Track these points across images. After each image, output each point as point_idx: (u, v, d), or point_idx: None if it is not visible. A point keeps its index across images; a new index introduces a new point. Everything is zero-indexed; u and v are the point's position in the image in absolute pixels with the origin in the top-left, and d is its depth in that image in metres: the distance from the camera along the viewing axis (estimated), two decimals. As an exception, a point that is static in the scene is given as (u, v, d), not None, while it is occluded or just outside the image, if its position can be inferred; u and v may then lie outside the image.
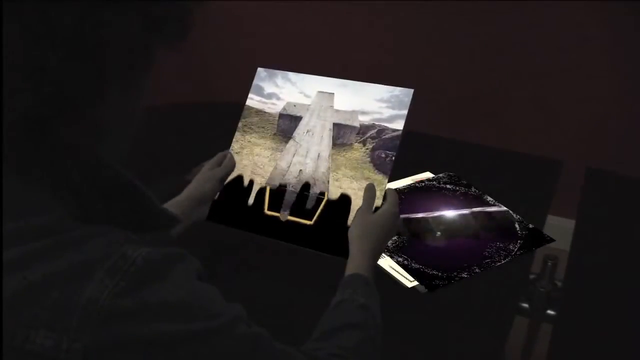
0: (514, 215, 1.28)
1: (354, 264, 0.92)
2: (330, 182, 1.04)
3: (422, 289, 1.08)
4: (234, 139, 1.14)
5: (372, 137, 1.05)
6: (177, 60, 0.68)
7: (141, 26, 0.59)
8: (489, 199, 1.33)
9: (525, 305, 1.17)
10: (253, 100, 1.16)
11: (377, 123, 1.06)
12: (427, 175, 1.42)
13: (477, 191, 1.35)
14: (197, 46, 2.36)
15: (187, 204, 1.05)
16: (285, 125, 1.12)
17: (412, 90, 1.06)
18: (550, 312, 1.17)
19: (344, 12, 2.33)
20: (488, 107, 2.30)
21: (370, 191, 1.02)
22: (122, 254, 0.57)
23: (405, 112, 1.05)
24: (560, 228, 1.37)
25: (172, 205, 1.04)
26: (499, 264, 1.14)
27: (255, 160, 1.10)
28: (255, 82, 1.17)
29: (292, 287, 1.12)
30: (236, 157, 1.12)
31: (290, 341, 0.69)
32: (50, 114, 0.58)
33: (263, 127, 1.13)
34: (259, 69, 1.17)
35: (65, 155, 0.61)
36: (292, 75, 1.15)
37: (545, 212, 1.33)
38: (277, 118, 1.13)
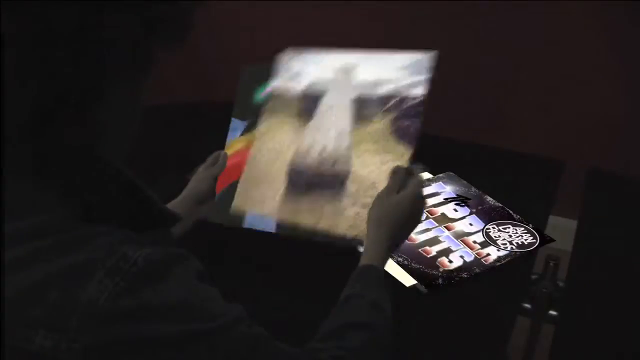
0: (514, 215, 1.28)
1: (368, 254, 0.88)
2: (352, 159, 1.00)
3: (423, 289, 1.08)
4: (259, 122, 1.10)
5: (394, 107, 1.00)
6: (177, 59, 0.68)
7: (141, 26, 0.59)
8: (489, 199, 1.33)
9: (527, 305, 1.17)
10: (277, 82, 1.12)
11: (397, 92, 1.02)
12: (425, 175, 1.42)
13: (477, 191, 1.35)
14: (198, 46, 2.35)
15: (186, 204, 1.05)
16: (309, 104, 1.07)
17: (433, 53, 1.01)
18: (552, 312, 1.17)
19: (343, 11, 2.33)
20: (489, 106, 2.30)
21: (397, 173, 0.94)
22: (122, 254, 0.57)
23: (425, 77, 1.00)
24: (562, 228, 1.36)
25: (171, 207, 1.04)
26: (498, 264, 1.14)
27: (279, 141, 1.07)
28: (279, 63, 1.13)
29: (294, 286, 1.12)
30: (261, 140, 1.07)
31: (292, 340, 0.69)
32: (51, 114, 0.59)
33: (287, 107, 1.09)
34: (286, 50, 1.13)
35: (66, 154, 0.62)
36: (314, 53, 1.12)
37: (547, 212, 1.33)
38: (300, 98, 1.09)
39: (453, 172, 1.43)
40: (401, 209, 0.90)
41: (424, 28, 2.26)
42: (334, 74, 1.06)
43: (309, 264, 1.10)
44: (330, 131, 1.01)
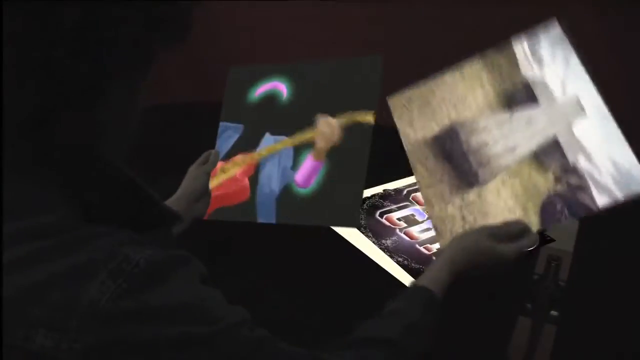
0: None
1: (431, 276, 0.83)
2: (498, 177, 0.90)
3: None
4: (462, 64, 0.98)
5: (568, 183, 0.87)
6: (177, 60, 0.68)
7: (142, 25, 0.59)
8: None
9: (529, 305, 1.17)
10: (522, 47, 0.96)
11: (589, 179, 0.86)
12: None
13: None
14: (198, 46, 2.35)
15: (181, 203, 1.06)
16: (518, 96, 0.92)
17: None
18: (553, 312, 1.17)
19: (343, 11, 2.33)
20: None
21: (513, 226, 0.86)
22: (125, 256, 0.58)
23: (623, 197, 0.85)
24: (564, 229, 1.36)
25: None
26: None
27: (465, 96, 0.93)
28: (542, 36, 0.98)
29: (294, 286, 1.12)
30: (455, 77, 0.96)
31: (291, 340, 0.69)
32: (52, 114, 0.59)
33: (504, 76, 0.95)
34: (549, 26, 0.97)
35: (67, 154, 0.62)
36: (577, 67, 0.94)
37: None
38: (519, 82, 0.92)
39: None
40: (487, 260, 0.84)
41: (425, 29, 2.26)
42: (564, 100, 0.90)
43: (310, 264, 1.10)
44: (507, 138, 0.90)
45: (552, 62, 0.92)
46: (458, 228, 0.89)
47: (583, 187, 0.86)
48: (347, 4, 2.31)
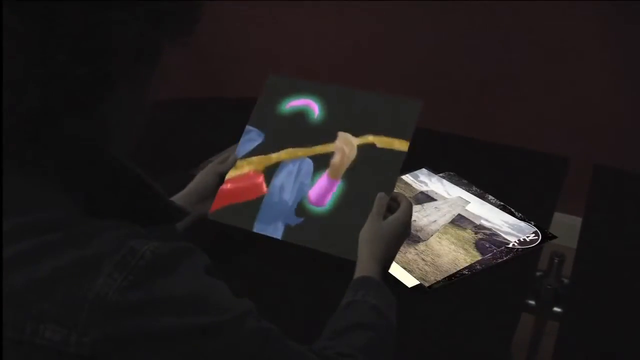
0: (516, 213, 1.28)
1: (364, 269, 0.92)
2: (433, 236, 1.22)
3: (425, 288, 1.09)
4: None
5: (485, 234, 1.24)
6: (188, 57, 0.69)
7: (148, 21, 0.61)
8: (490, 197, 1.33)
9: (532, 302, 1.18)
10: (408, 178, 1.41)
11: (495, 230, 1.24)
12: (423, 172, 1.43)
13: (477, 190, 1.36)
14: (209, 43, 2.36)
15: (190, 199, 1.06)
16: (421, 197, 1.35)
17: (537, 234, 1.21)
18: (556, 309, 1.18)
19: (344, 11, 2.34)
20: (493, 104, 2.30)
21: (381, 199, 1.00)
22: (130, 248, 0.59)
23: (522, 237, 1.20)
24: (567, 225, 1.38)
25: (176, 200, 1.04)
26: (500, 260, 1.15)
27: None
28: (416, 173, 1.40)
29: (296, 287, 1.13)
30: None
31: (295, 340, 0.70)
32: (59, 110, 0.60)
33: (405, 191, 1.33)
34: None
35: (73, 150, 0.63)
36: (446, 182, 1.38)
37: (552, 209, 1.34)
38: (417, 192, 1.35)
39: (458, 168, 1.43)
40: (391, 232, 0.96)
41: (425, 27, 2.27)
42: (452, 198, 1.34)
43: (312, 263, 1.11)
44: (429, 216, 1.28)
45: (430, 183, 1.40)
46: (422, 266, 1.15)
47: (495, 234, 1.24)
48: (350, 4, 2.32)
